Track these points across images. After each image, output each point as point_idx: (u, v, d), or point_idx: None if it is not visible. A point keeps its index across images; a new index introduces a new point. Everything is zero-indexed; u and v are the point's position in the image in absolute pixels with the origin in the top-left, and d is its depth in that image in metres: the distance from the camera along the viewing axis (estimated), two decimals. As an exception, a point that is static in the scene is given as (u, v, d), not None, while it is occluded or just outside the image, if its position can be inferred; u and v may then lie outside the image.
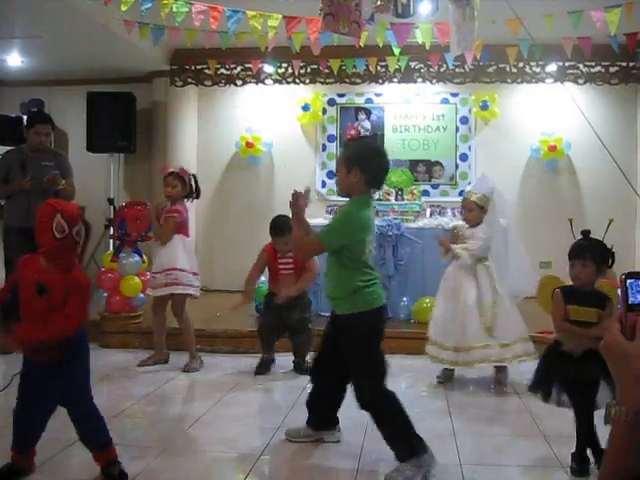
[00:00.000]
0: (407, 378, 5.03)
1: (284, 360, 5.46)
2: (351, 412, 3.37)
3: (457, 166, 8.87)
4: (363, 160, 3.23)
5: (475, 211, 4.99)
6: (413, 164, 8.77)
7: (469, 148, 8.86)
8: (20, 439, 3.07)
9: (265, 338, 5.25)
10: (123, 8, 5.26)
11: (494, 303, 4.74)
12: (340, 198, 8.43)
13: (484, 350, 4.63)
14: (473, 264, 4.86)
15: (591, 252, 3.21)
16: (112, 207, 8.49)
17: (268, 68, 8.44)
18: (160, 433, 3.78)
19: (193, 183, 5.46)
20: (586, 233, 3.33)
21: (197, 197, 5.57)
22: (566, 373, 3.18)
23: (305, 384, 4.37)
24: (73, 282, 3.00)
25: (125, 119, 8.78)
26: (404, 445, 3.07)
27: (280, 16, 5.61)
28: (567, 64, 8.24)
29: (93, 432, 3.12)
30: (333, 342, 3.34)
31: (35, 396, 3.02)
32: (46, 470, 3.18)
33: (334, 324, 3.34)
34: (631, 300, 1.38)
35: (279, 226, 5.20)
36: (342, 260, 3.19)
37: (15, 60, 8.42)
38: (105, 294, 6.35)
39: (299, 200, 3.27)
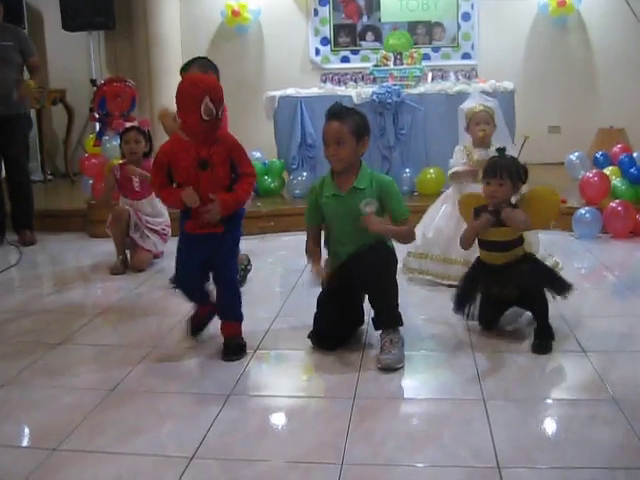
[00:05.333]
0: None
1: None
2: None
3: (459, 26, 8.30)
4: (368, 127, 3.17)
5: (491, 124, 4.05)
6: (412, 26, 8.20)
7: (471, 6, 8.26)
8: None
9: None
10: None
11: None
12: (335, 66, 8.17)
13: None
14: None
15: (508, 170, 3.10)
16: (95, 88, 8.00)
17: None
18: (151, 329, 3.52)
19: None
20: (501, 150, 3.21)
21: (150, 152, 4.81)
22: (488, 288, 3.20)
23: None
24: (229, 145, 3.03)
25: (101, -8, 8.15)
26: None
27: None
28: None
29: (230, 302, 3.18)
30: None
31: (190, 268, 3.13)
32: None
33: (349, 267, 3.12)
34: None
35: None
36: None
37: None
38: (90, 181, 6.00)
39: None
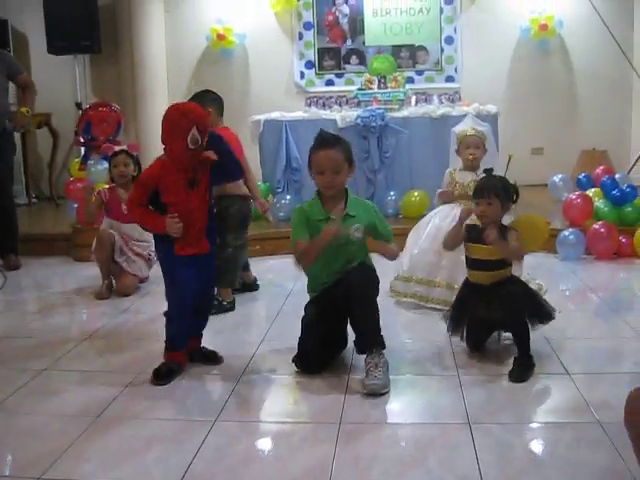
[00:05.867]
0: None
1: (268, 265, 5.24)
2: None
3: (442, 50, 8.42)
4: (352, 153, 3.24)
5: (481, 148, 4.09)
6: (396, 50, 8.32)
7: (454, 30, 8.37)
8: (174, 337, 3.16)
9: None
10: None
11: None
12: (320, 89, 8.23)
13: None
14: None
15: (494, 189, 3.13)
16: (81, 112, 8.01)
17: (236, -49, 7.87)
18: (137, 355, 3.51)
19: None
20: (489, 171, 3.28)
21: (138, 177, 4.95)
22: (476, 309, 3.20)
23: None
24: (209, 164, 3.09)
25: (86, 16, 8.15)
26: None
27: None
28: None
29: (205, 320, 3.31)
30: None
31: (185, 290, 3.10)
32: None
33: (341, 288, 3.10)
34: None
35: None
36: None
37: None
38: (75, 205, 5.99)
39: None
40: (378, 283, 3.12)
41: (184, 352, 3.21)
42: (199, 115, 2.98)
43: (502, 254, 3.09)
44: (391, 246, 3.23)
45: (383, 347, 3.02)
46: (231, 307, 4.20)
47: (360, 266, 3.10)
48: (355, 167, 3.24)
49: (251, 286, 4.65)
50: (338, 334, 3.28)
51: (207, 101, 4.17)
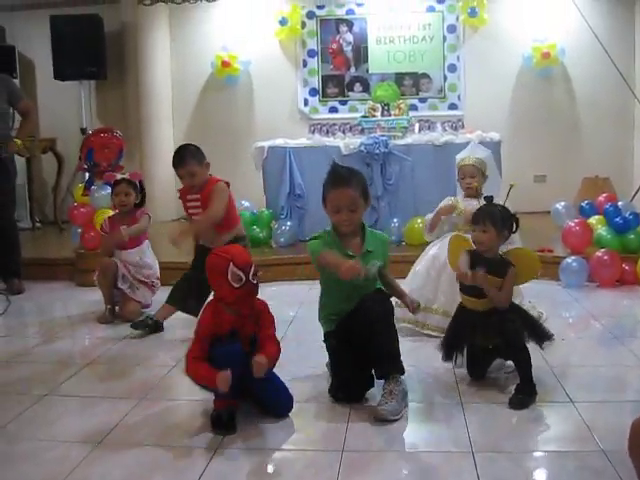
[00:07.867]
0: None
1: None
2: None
3: (445, 78, 8.45)
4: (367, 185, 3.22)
5: (477, 177, 4.13)
6: (399, 77, 8.37)
7: (457, 58, 8.42)
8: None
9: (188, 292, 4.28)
10: None
11: None
12: (324, 116, 8.28)
13: None
14: None
15: (491, 217, 3.12)
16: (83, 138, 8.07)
17: (241, -20, 7.95)
18: (139, 380, 3.50)
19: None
20: (489, 198, 3.30)
21: (142, 203, 4.92)
22: (473, 339, 3.20)
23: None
24: (259, 313, 3.00)
25: (93, 43, 8.24)
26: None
27: None
28: (559, -37, 7.77)
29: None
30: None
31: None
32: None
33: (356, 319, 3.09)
34: None
35: (177, 155, 4.14)
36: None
37: (-31, -16, 7.88)
38: (79, 230, 6.00)
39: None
40: (393, 309, 3.14)
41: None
42: (234, 253, 2.90)
43: (489, 297, 3.07)
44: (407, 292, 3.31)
45: (402, 372, 3.00)
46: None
47: (377, 292, 3.10)
48: (371, 200, 3.20)
49: None
50: (366, 360, 3.17)
51: (199, 155, 4.15)
